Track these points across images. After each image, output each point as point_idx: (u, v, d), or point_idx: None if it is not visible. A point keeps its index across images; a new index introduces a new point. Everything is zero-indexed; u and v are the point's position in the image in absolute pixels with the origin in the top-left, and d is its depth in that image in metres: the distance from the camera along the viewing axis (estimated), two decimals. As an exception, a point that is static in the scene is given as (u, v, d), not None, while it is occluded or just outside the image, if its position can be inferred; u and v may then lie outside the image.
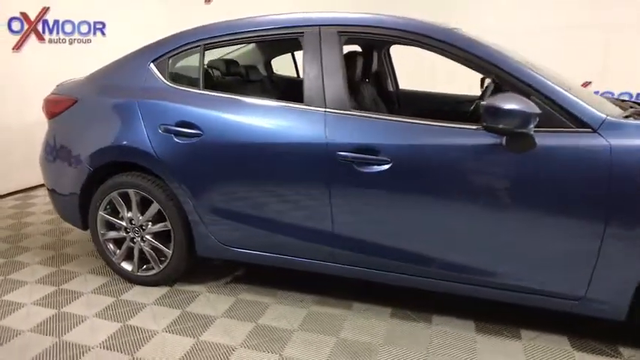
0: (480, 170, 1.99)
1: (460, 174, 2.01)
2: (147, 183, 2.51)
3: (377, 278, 2.28)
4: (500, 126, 1.85)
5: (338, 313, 2.43)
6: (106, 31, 5.07)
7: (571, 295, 2.00)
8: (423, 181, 2.05)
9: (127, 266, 2.71)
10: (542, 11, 4.77)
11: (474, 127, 1.95)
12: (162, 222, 2.56)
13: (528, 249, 1.99)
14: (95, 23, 4.97)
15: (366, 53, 3.14)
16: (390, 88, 3.57)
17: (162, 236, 2.60)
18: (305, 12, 2.36)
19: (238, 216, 2.39)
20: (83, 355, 2.10)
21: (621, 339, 2.18)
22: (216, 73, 3.12)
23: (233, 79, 3.20)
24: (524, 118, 1.82)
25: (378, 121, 2.16)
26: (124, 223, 2.64)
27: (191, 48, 2.51)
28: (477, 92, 3.18)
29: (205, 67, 2.65)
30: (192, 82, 2.53)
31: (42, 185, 3.54)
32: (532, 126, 1.85)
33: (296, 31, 2.32)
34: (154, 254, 2.63)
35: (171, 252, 2.58)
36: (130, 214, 2.62)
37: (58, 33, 4.66)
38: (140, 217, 2.60)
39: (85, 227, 2.78)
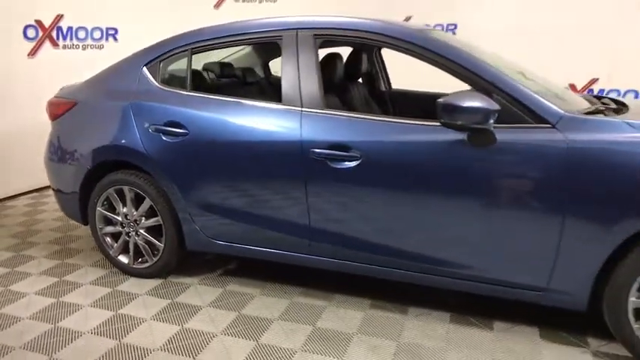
0: (444, 165, 2.06)
1: (425, 169, 2.09)
2: (139, 180, 2.67)
3: (353, 270, 2.38)
4: (458, 122, 1.93)
5: (319, 304, 2.53)
6: (118, 36, 5.29)
7: (534, 287, 2.06)
8: (389, 176, 2.14)
9: (123, 259, 2.87)
10: (549, 9, 4.75)
11: (436, 123, 2.03)
12: (154, 217, 2.71)
13: (491, 242, 2.06)
14: (107, 29, 5.20)
15: (356, 54, 3.23)
16: (383, 88, 3.64)
17: (155, 231, 2.75)
18: (284, 16, 2.48)
19: (222, 211, 2.52)
20: (75, 339, 2.26)
21: (591, 330, 2.22)
22: (212, 75, 3.27)
23: (230, 82, 3.33)
24: (481, 114, 1.89)
25: (349, 119, 2.25)
26: (119, 218, 2.80)
27: (180, 52, 2.65)
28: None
29: (194, 69, 2.79)
30: (181, 85, 2.67)
31: (51, 185, 3.74)
32: (491, 122, 1.92)
33: (275, 34, 2.44)
34: (147, 248, 2.78)
35: (163, 246, 2.73)
36: (125, 210, 2.78)
37: (71, 39, 4.90)
38: (134, 213, 2.75)
39: (85, 222, 2.95)
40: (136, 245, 2.80)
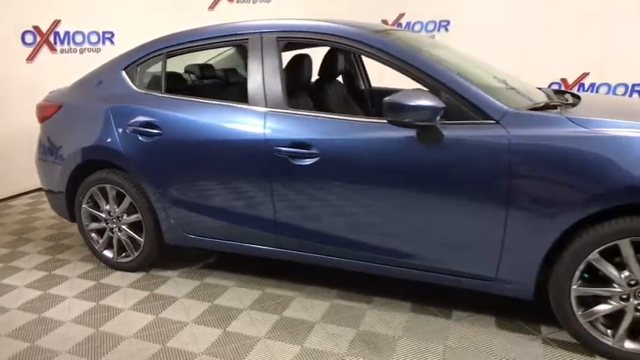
0: (394, 161, 2.15)
1: (377, 165, 2.19)
2: (120, 179, 2.81)
3: (317, 262, 2.49)
4: (405, 120, 2.02)
5: (288, 295, 2.65)
6: (115, 40, 5.46)
7: (484, 276, 2.15)
8: (345, 172, 2.24)
9: (108, 254, 3.03)
10: (540, 4, 4.78)
11: (384, 121, 2.12)
12: (135, 214, 2.86)
13: (442, 234, 2.15)
14: (104, 33, 5.37)
15: (332, 54, 3.33)
16: (362, 87, 3.74)
17: (137, 226, 2.89)
18: (251, 20, 2.59)
19: (195, 207, 2.66)
20: (56, 328, 2.42)
21: (548, 319, 2.29)
22: (193, 77, 3.40)
23: (208, 83, 3.46)
24: (426, 112, 1.98)
25: (310, 118, 2.36)
26: (103, 215, 2.96)
27: (155, 56, 2.79)
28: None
29: (171, 72, 2.92)
30: (156, 87, 2.80)
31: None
32: (437, 119, 2.01)
33: (242, 37, 2.55)
34: (129, 243, 2.93)
35: (143, 241, 2.87)
36: (108, 207, 2.93)
37: (69, 43, 5.08)
38: (117, 210, 2.90)
39: (73, 220, 3.12)
40: (119, 240, 2.95)
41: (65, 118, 3.00)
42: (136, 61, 2.83)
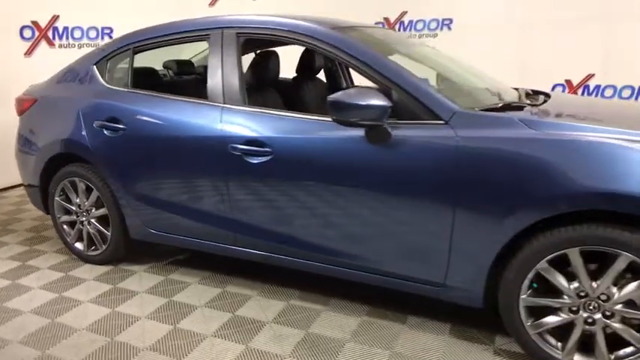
0: (343, 160, 2.10)
1: (326, 164, 2.14)
2: (88, 172, 2.84)
3: (270, 262, 2.46)
4: (351, 119, 1.97)
5: (246, 294, 2.63)
6: (113, 35, 5.50)
7: (433, 282, 2.09)
8: (296, 170, 2.21)
9: (79, 246, 3.06)
10: (545, 3, 4.64)
11: (330, 119, 2.07)
12: (102, 207, 2.88)
13: (390, 236, 2.09)
14: (103, 28, 5.43)
15: (309, 51, 3.28)
16: (344, 85, 3.68)
17: (104, 220, 2.91)
18: (214, 16, 2.57)
19: (156, 202, 2.66)
20: (14, 318, 2.45)
21: (503, 329, 2.20)
22: (171, 73, 3.41)
23: (192, 79, 3.46)
24: (370, 111, 1.93)
25: (265, 115, 2.32)
26: (74, 208, 2.99)
27: (123, 51, 2.80)
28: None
29: (141, 68, 2.93)
30: (124, 82, 2.81)
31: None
32: (384, 118, 1.95)
33: (204, 33, 2.54)
34: (98, 236, 2.95)
35: (110, 235, 2.89)
36: (78, 200, 2.96)
37: (67, 39, 5.16)
38: (86, 203, 2.93)
39: (48, 212, 3.16)
40: (88, 234, 2.98)
41: (39, 112, 3.04)
42: (105, 56, 2.85)
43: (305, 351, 2.13)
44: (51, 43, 5.02)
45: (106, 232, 2.91)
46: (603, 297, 1.80)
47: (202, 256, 3.00)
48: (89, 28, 5.30)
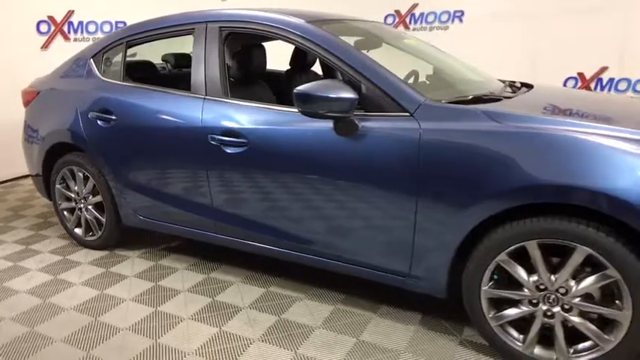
0: (314, 151, 2.14)
1: (298, 155, 2.19)
2: (84, 161, 2.97)
3: (248, 249, 2.53)
4: (317, 111, 2.01)
5: (229, 280, 2.71)
6: (128, 29, 5.68)
7: (399, 272, 2.12)
8: (271, 161, 2.26)
9: (78, 232, 3.21)
10: None
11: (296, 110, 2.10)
12: (98, 195, 3.01)
13: (357, 226, 2.13)
14: (117, 23, 5.59)
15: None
16: (339, 77, 3.70)
17: (100, 207, 3.04)
18: (200, 10, 2.64)
19: (144, 190, 2.76)
20: (9, 297, 2.61)
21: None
22: (169, 66, 3.51)
23: (187, 72, 3.55)
24: (335, 103, 1.96)
25: (242, 107, 2.38)
26: (73, 195, 3.13)
27: (117, 45, 2.91)
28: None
29: (136, 60, 3.04)
30: (118, 75, 2.92)
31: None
32: (350, 110, 1.98)
33: (190, 27, 2.62)
34: (94, 222, 3.09)
35: (104, 221, 3.02)
36: (76, 188, 3.10)
37: (82, 33, 5.35)
38: (83, 190, 3.07)
39: (50, 199, 3.32)
40: (86, 220, 3.12)
41: (41, 104, 3.19)
42: (102, 49, 2.97)
43: (274, 335, 2.20)
44: (66, 37, 5.22)
45: (101, 218, 3.04)
46: (562, 290, 1.80)
47: (194, 244, 3.10)
48: (103, 23, 5.47)
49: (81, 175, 3.04)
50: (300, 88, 2.00)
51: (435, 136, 1.90)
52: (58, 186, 3.18)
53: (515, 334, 1.94)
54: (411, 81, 2.81)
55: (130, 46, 2.89)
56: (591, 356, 1.80)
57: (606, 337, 1.76)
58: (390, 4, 5.44)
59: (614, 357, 1.76)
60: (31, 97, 3.26)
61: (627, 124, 1.77)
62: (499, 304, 1.95)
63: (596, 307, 1.76)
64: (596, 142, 1.68)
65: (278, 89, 3.08)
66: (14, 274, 2.87)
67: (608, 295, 1.76)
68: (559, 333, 1.83)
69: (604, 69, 4.62)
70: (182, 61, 3.52)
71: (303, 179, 2.20)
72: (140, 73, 3.12)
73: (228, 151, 2.36)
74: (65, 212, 3.23)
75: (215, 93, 2.46)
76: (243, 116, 2.35)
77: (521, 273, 1.85)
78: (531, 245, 1.79)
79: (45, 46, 5.08)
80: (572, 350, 1.84)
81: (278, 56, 3.46)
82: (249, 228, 2.45)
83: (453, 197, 1.89)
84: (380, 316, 2.33)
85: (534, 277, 1.84)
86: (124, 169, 2.79)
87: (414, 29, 5.49)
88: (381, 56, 3.08)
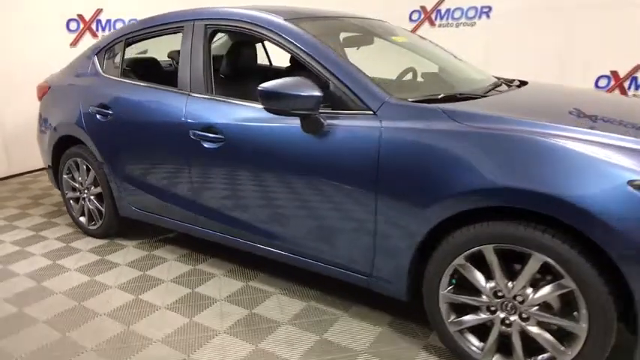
0: (284, 148, 2.15)
1: (270, 151, 2.20)
2: (86, 153, 3.11)
3: (224, 242, 2.58)
4: (282, 108, 2.02)
5: (213, 273, 2.77)
6: (154, 27, 5.87)
7: (363, 272, 2.10)
8: (245, 156, 2.29)
9: (83, 220, 3.37)
10: None
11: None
12: (99, 186, 3.14)
13: (322, 224, 2.13)
14: (144, 21, 5.80)
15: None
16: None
17: (101, 197, 3.18)
18: (189, 9, 2.71)
19: (137, 183, 2.87)
20: (8, 279, 2.78)
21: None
22: (175, 63, 3.61)
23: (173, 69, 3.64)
24: (298, 100, 1.96)
25: (221, 103, 2.43)
26: (77, 185, 3.29)
27: (117, 43, 3.02)
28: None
29: (135, 58, 3.15)
30: (117, 71, 3.03)
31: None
32: (314, 108, 1.98)
33: (179, 25, 2.69)
34: (96, 212, 3.24)
35: (104, 211, 3.16)
36: (80, 179, 3.25)
37: (109, 30, 5.56)
38: (86, 181, 3.22)
39: (59, 188, 3.50)
40: (88, 209, 3.27)
41: (52, 98, 3.36)
42: (104, 46, 3.10)
43: (240, 328, 2.23)
44: (94, 35, 5.45)
45: (102, 208, 3.18)
46: (519, 298, 1.73)
47: (188, 236, 3.16)
48: (130, 20, 5.68)
49: (84, 166, 3.19)
50: (265, 85, 2.02)
51: (395, 134, 1.87)
52: (65, 176, 3.35)
53: (474, 341, 1.89)
54: (409, 78, 2.79)
55: (129, 44, 3.00)
56: (546, 369, 1.72)
57: (562, 349, 1.68)
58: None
59: (570, 371, 1.68)
60: (44, 92, 3.44)
61: (607, 127, 1.67)
62: (461, 309, 1.90)
63: (553, 317, 1.69)
64: (557, 144, 1.60)
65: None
66: (19, 257, 3.05)
67: (568, 306, 1.68)
68: (516, 342, 1.77)
69: (639, 67, 4.36)
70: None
71: (272, 175, 2.22)
72: (144, 69, 3.22)
73: (207, 146, 2.41)
74: (71, 201, 3.40)
75: (198, 89, 2.52)
76: (222, 112, 2.39)
77: (478, 278, 1.80)
78: (488, 250, 1.74)
79: (74, 43, 5.34)
80: (530, 361, 1.77)
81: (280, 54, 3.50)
82: (225, 222, 2.50)
83: (410, 198, 1.85)
84: (350, 315, 2.32)
85: (492, 284, 1.78)
86: (118, 161, 2.90)
87: (439, 25, 5.39)
88: (372, 53, 3.07)
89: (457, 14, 5.25)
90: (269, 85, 2.01)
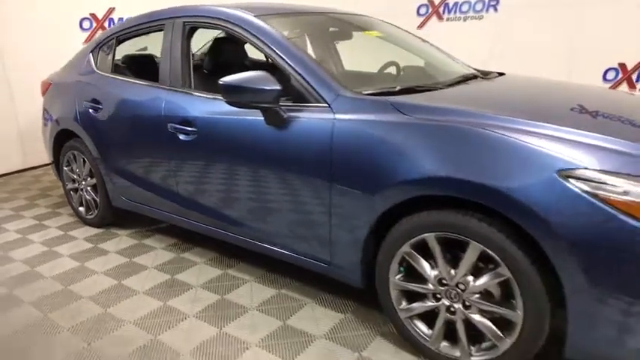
0: (249, 140, 2.23)
1: (235, 143, 2.29)
2: (81, 146, 3.28)
3: (203, 232, 2.68)
4: (243, 101, 2.10)
5: (195, 261, 2.88)
6: (165, 25, 6.05)
7: (322, 259, 2.16)
8: (215, 148, 2.39)
9: (82, 210, 3.54)
10: None
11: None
12: (94, 177, 3.30)
13: (283, 213, 2.20)
14: (154, 19, 5.98)
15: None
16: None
17: (96, 188, 3.34)
18: (170, 8, 2.81)
19: (125, 174, 3.01)
20: (6, 264, 2.96)
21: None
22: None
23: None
24: (257, 94, 2.03)
25: (195, 97, 2.52)
26: (75, 177, 3.46)
27: (110, 40, 3.16)
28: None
29: (129, 55, 3.29)
30: (108, 68, 3.17)
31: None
32: (275, 101, 2.05)
33: (161, 23, 2.80)
34: (92, 202, 3.40)
35: (99, 201, 3.32)
36: (77, 170, 3.42)
37: (121, 29, 5.78)
38: (83, 172, 3.38)
39: (61, 180, 3.69)
40: (85, 200, 3.44)
41: (52, 94, 3.54)
42: (98, 44, 3.24)
43: (209, 313, 2.33)
44: (106, 34, 5.66)
45: (97, 199, 3.34)
46: (461, 286, 1.77)
47: (177, 226, 3.30)
48: (140, 19, 5.87)
49: (81, 159, 3.35)
50: (226, 79, 2.10)
51: (346, 126, 1.93)
52: (65, 168, 3.53)
53: (423, 328, 1.93)
54: (392, 71, 2.83)
55: (120, 42, 3.14)
56: (487, 356, 1.76)
57: (501, 336, 1.71)
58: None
59: (507, 358, 1.70)
60: (46, 88, 3.63)
61: (551, 118, 1.68)
62: (412, 297, 1.94)
63: (492, 305, 1.71)
64: (491, 135, 1.63)
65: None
66: (20, 244, 3.24)
67: (508, 294, 1.70)
68: (460, 329, 1.80)
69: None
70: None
71: (240, 166, 2.31)
72: (141, 65, 3.35)
73: (182, 138, 2.52)
74: (71, 192, 3.58)
75: (176, 84, 2.63)
76: (197, 106, 2.49)
77: (424, 266, 1.84)
78: (430, 238, 1.78)
79: (87, 41, 5.55)
80: (474, 349, 1.80)
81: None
82: (201, 212, 2.61)
83: (359, 188, 1.91)
84: (317, 302, 2.39)
85: (436, 272, 1.82)
86: (108, 154, 3.05)
87: (447, 19, 5.35)
88: (353, 47, 3.11)
89: (465, 7, 5.21)
90: (230, 79, 2.09)
